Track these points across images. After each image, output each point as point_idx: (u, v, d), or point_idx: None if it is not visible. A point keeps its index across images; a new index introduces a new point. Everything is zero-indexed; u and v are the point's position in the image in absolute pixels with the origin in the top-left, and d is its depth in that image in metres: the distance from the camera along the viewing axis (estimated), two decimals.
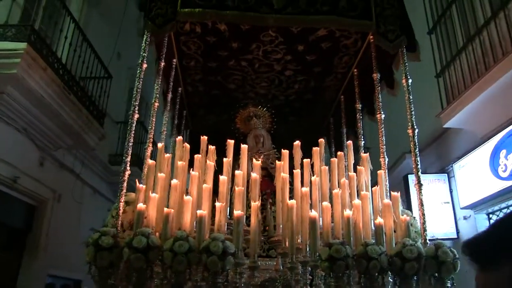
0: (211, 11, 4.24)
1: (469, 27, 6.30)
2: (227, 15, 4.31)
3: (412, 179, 6.49)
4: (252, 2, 4.25)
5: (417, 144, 4.00)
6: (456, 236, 6.68)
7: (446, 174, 7.06)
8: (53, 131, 7.27)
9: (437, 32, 7.02)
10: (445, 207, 6.85)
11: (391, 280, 3.45)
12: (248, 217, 3.73)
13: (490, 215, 6.22)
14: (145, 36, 4.10)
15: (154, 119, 4.34)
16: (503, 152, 5.58)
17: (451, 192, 6.96)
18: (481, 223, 6.28)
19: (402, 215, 3.85)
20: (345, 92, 5.81)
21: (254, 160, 4.42)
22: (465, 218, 6.60)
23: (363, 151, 4.93)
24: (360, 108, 5.19)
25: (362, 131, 5.22)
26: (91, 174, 9.28)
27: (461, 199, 6.61)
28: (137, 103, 3.89)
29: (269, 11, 4.24)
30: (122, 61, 10.01)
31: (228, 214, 3.89)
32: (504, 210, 5.87)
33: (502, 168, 5.55)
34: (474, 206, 6.29)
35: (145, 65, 4.02)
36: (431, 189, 6.80)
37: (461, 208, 6.61)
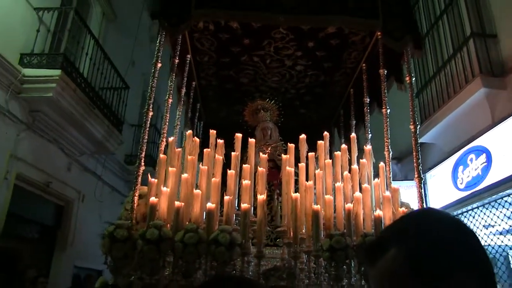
0: (224, 11, 4.40)
1: (437, 59, 7.59)
2: (239, 14, 4.47)
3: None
4: (263, 2, 4.38)
5: (418, 139, 4.15)
6: None
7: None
8: (79, 140, 8.27)
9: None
10: None
11: None
12: (255, 208, 3.91)
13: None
14: (159, 36, 4.26)
15: (168, 115, 4.51)
16: (460, 168, 6.75)
17: (425, 197, 7.67)
18: None
19: (401, 207, 4.01)
20: (354, 86, 5.91)
21: (261, 153, 4.59)
22: None
23: (368, 144, 5.07)
24: (368, 102, 5.32)
25: (369, 125, 5.35)
26: (110, 174, 10.20)
27: (431, 203, 7.48)
28: (151, 101, 4.06)
29: (279, 10, 4.37)
30: (136, 68, 10.73)
31: (236, 205, 4.09)
32: (465, 214, 6.82)
33: (460, 181, 6.65)
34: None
35: (159, 64, 4.18)
36: (410, 193, 7.36)
37: None
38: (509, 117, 5.65)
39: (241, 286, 1.08)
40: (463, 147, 6.68)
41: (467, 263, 0.81)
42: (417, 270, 0.79)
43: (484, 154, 6.07)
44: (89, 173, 9.32)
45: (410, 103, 4.25)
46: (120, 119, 9.24)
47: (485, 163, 6.03)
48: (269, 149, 5.51)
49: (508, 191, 5.76)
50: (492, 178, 5.89)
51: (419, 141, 4.22)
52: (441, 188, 7.14)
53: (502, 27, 6.21)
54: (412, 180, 7.54)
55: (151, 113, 4.03)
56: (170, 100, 4.52)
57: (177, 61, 4.64)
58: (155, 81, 4.12)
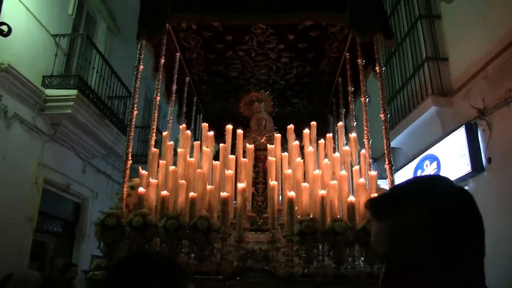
0: (197, 14, 4.66)
1: (402, 76, 8.65)
2: (214, 16, 4.73)
3: None
4: (234, 2, 4.61)
5: (388, 128, 4.35)
6: None
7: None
8: (92, 146, 9.81)
9: (386, 71, 9.12)
10: None
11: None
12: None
13: None
14: (139, 40, 4.56)
15: (156, 112, 4.82)
16: (419, 171, 7.71)
17: None
18: None
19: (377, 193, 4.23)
20: (341, 75, 6.00)
21: (247, 144, 4.88)
22: None
23: (353, 132, 5.26)
24: (352, 90, 5.50)
25: (354, 113, 5.54)
26: (119, 173, 11.24)
27: None
28: (135, 101, 4.40)
29: (250, 10, 4.58)
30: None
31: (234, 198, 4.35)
32: None
33: None
34: None
35: (141, 66, 4.50)
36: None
37: None
38: (452, 131, 6.62)
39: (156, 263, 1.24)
40: (421, 153, 7.70)
41: (477, 234, 0.90)
42: (437, 233, 0.86)
43: (436, 162, 7.11)
44: (101, 174, 10.82)
45: (380, 92, 4.43)
46: (126, 124, 10.05)
47: (436, 169, 7.07)
48: (263, 138, 5.75)
49: None
50: None
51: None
52: None
53: (452, 51, 7.25)
54: (382, 179, 8.04)
55: (135, 112, 4.36)
56: (158, 98, 4.81)
57: (163, 61, 4.91)
58: (138, 82, 4.43)
